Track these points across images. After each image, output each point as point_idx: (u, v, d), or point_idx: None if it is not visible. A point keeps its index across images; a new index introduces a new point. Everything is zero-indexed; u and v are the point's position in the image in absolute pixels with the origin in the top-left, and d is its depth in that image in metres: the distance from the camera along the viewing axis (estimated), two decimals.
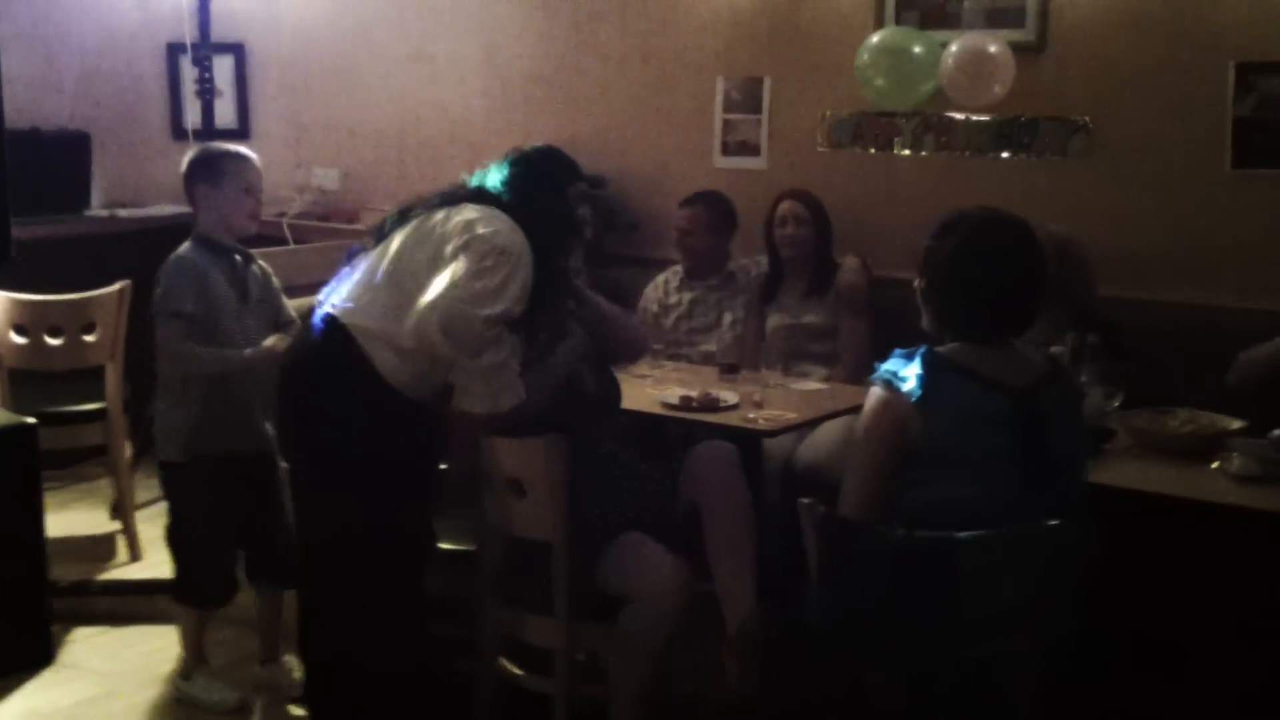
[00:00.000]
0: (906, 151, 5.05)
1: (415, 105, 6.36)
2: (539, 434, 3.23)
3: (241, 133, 6.71)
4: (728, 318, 4.95)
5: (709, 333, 4.94)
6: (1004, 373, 2.69)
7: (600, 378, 3.59)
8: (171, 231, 5.52)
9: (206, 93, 5.57)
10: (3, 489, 4.03)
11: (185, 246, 3.85)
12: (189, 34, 5.85)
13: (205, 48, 5.64)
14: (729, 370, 4.34)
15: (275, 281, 4.02)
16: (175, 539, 3.95)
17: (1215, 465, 3.25)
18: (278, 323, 3.95)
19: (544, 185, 3.33)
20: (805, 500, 2.66)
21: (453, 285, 3.05)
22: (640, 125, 5.70)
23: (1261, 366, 3.57)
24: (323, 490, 3.24)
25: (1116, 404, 3.61)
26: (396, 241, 3.23)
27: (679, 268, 5.07)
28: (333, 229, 5.98)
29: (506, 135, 6.00)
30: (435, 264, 3.13)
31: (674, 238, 5.07)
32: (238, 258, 3.90)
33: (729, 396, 3.94)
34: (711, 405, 3.91)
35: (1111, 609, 3.00)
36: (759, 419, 3.78)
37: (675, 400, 3.92)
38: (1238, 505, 3.03)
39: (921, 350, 2.70)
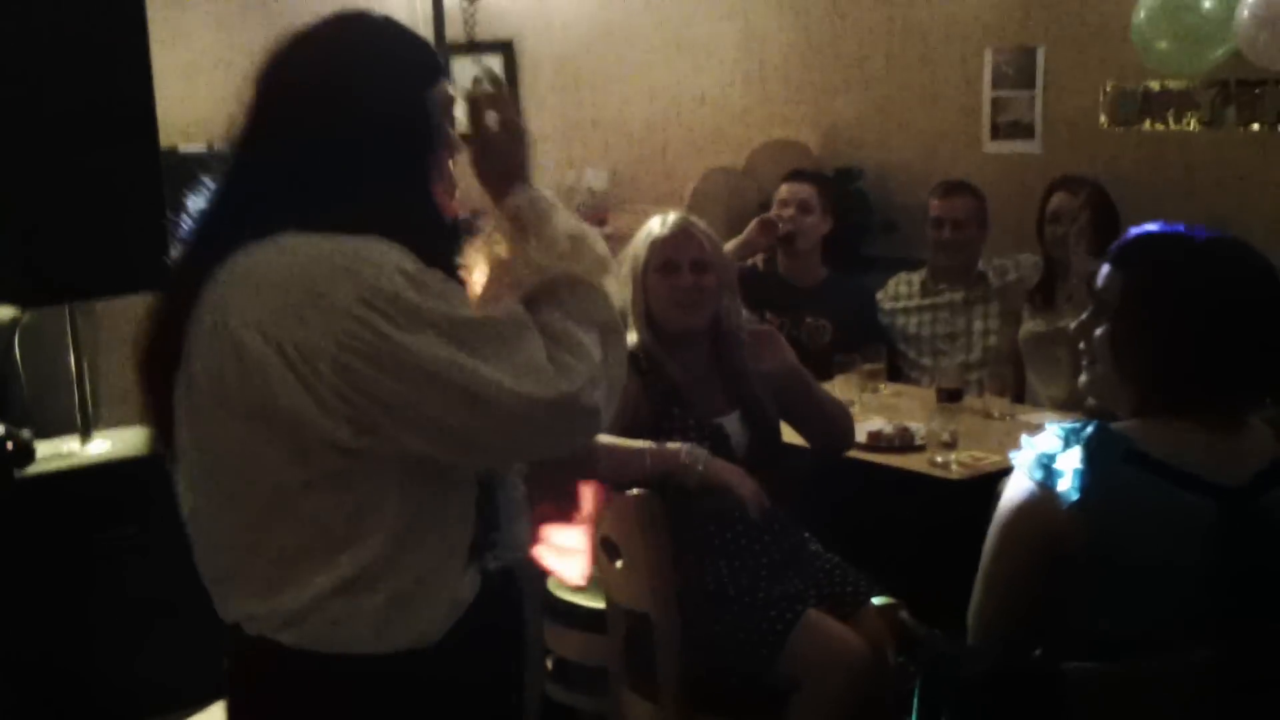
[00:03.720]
0: (1203, 127, 4.18)
1: (677, 98, 5.92)
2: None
3: None
4: (978, 326, 4.25)
5: (955, 342, 4.26)
6: (1216, 463, 1.90)
7: (758, 431, 3.03)
8: None
9: None
10: None
11: None
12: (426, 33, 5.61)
13: (441, 49, 5.40)
14: (950, 396, 3.66)
15: None
16: None
17: None
18: None
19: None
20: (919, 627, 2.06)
21: None
22: (900, 108, 5.05)
23: None
24: None
25: None
26: None
27: (915, 274, 4.40)
28: None
29: (767, 126, 5.53)
30: None
31: (930, 231, 4.36)
32: None
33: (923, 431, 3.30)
34: (908, 443, 3.30)
35: None
36: (951, 463, 3.12)
37: (863, 436, 3.31)
38: None
39: (1089, 429, 1.95)
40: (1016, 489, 1.97)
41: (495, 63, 6.45)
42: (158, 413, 1.69)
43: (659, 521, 2.70)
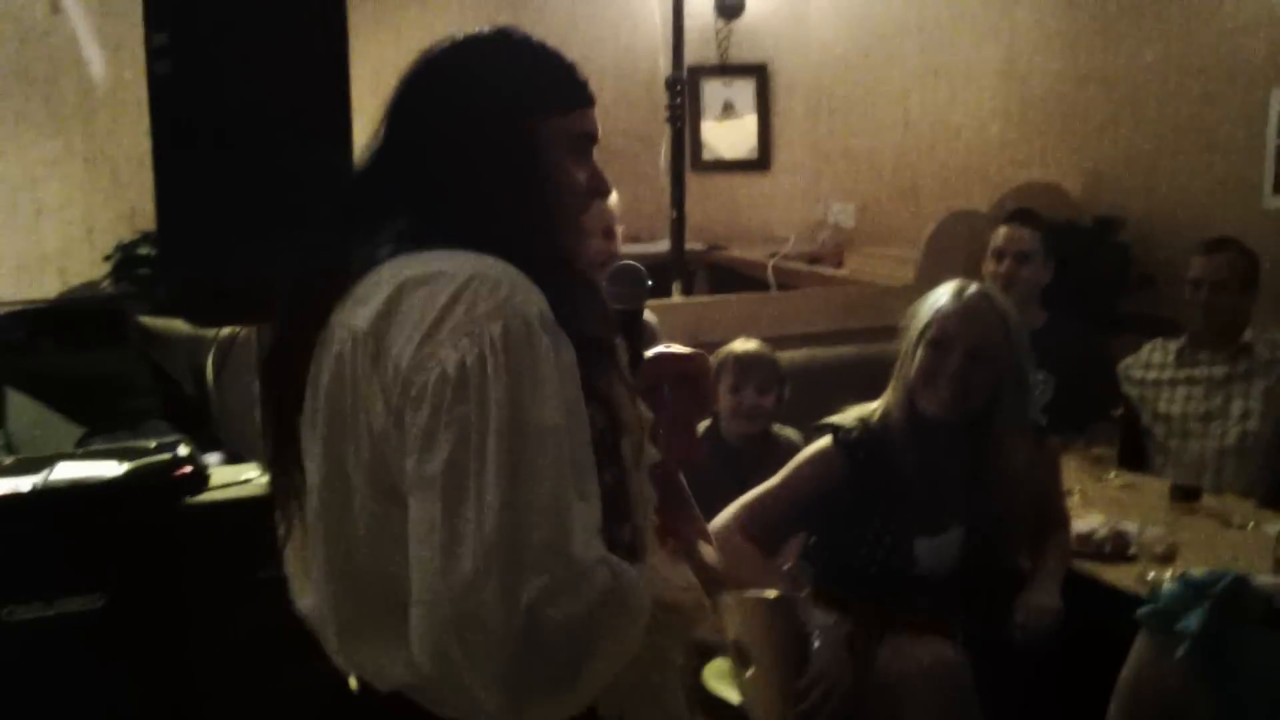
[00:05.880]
0: None
1: (930, 130, 5.52)
2: None
3: (761, 163, 6.20)
4: (1236, 407, 3.69)
5: (1210, 424, 3.71)
6: None
7: (974, 559, 2.63)
8: (659, 270, 5.17)
9: (677, 119, 5.08)
10: None
11: None
12: (668, 58, 5.37)
13: (679, 68, 5.15)
14: (1185, 495, 3.16)
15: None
16: None
17: None
18: None
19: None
20: None
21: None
22: (1174, 152, 4.51)
23: None
24: None
25: None
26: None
27: (1173, 341, 3.85)
28: (815, 274, 5.28)
29: (1025, 164, 5.08)
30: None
31: (1188, 293, 3.82)
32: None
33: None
34: (1120, 551, 2.84)
35: None
36: (1164, 581, 2.65)
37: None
38: None
39: (1221, 582, 1.56)
40: (1139, 647, 1.62)
41: (748, 87, 6.18)
42: (280, 449, 1.48)
43: (789, 628, 2.37)
